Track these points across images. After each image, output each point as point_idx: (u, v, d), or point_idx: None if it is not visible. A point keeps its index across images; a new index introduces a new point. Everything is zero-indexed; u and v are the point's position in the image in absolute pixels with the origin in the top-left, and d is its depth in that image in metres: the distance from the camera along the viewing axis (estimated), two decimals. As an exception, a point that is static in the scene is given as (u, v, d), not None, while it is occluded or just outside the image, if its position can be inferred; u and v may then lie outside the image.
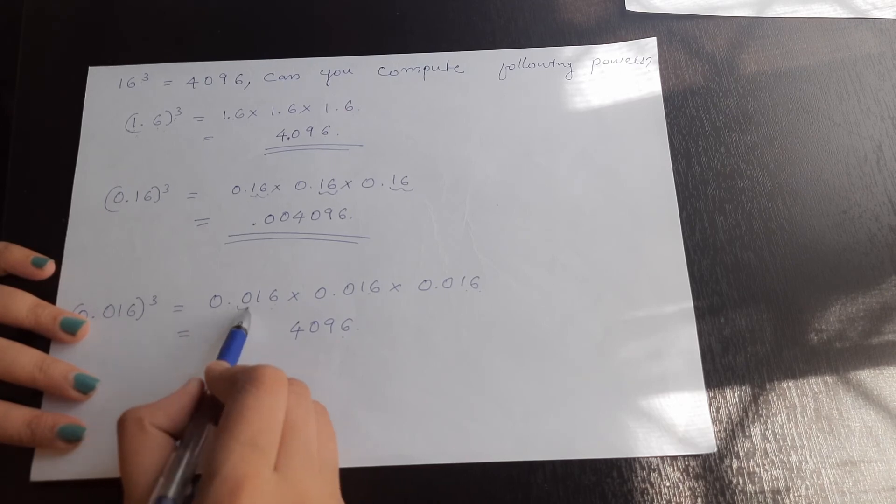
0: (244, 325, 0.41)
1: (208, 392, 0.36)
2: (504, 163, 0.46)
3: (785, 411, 0.40)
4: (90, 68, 0.48)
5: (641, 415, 0.40)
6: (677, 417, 0.40)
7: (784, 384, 0.41)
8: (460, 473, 0.39)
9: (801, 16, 0.51)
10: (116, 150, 0.46)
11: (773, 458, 0.39)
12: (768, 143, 0.47)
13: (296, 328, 0.42)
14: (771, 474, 0.39)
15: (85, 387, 0.39)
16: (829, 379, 0.41)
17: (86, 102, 0.47)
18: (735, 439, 0.40)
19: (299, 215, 0.44)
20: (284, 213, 0.44)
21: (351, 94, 0.48)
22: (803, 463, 0.39)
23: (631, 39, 0.50)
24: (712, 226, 0.44)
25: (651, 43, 0.49)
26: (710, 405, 0.40)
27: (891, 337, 0.42)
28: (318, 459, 0.33)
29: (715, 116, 0.48)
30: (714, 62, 0.49)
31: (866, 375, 0.41)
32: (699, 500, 0.39)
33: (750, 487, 0.39)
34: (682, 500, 0.39)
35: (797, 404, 0.41)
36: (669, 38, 0.50)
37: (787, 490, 0.39)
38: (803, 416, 0.40)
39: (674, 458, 0.39)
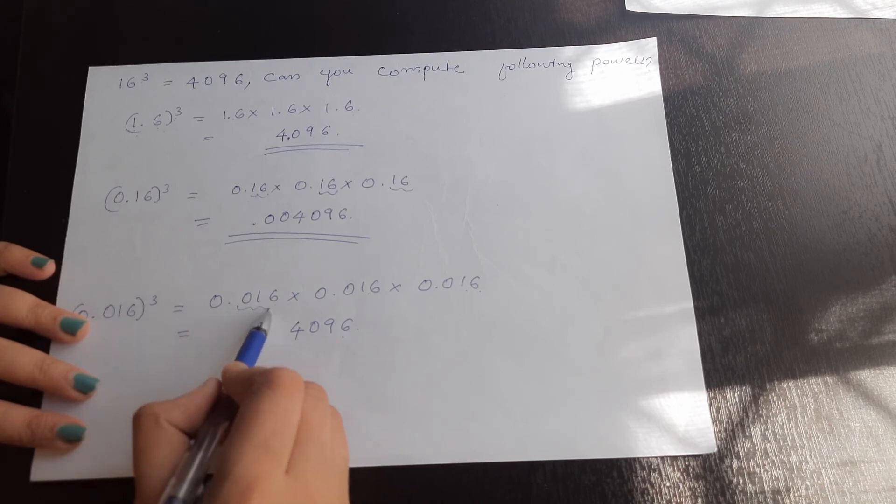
0: (264, 326, 0.41)
1: (225, 392, 0.36)
2: (504, 163, 0.46)
3: (785, 411, 0.40)
4: (90, 68, 0.48)
5: (641, 415, 0.40)
6: (677, 417, 0.40)
7: (784, 384, 0.41)
8: (460, 473, 0.39)
9: (801, 16, 0.51)
10: (116, 150, 0.46)
11: (774, 458, 0.39)
12: (768, 143, 0.47)
13: (296, 328, 0.42)
14: (771, 474, 0.39)
15: (85, 387, 0.39)
16: (829, 379, 0.41)
17: (86, 102, 0.47)
18: (735, 439, 0.40)
19: (299, 215, 0.44)
20: (284, 213, 0.44)
21: (351, 94, 0.48)
22: (803, 463, 0.39)
23: (631, 39, 0.50)
24: (712, 226, 0.44)
25: (651, 43, 0.49)
26: (710, 405, 0.40)
27: (891, 337, 0.42)
28: (330, 463, 0.33)
29: (715, 116, 0.48)
30: (714, 62, 0.49)
31: (866, 375, 0.41)
32: (699, 500, 0.39)
33: (750, 487, 0.39)
34: (683, 500, 0.39)
35: (797, 404, 0.41)
36: (669, 38, 0.50)
37: (788, 490, 0.39)
38: (803, 416, 0.40)
39: (674, 458, 0.39)
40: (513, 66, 0.49)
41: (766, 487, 0.39)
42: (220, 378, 0.36)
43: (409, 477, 0.39)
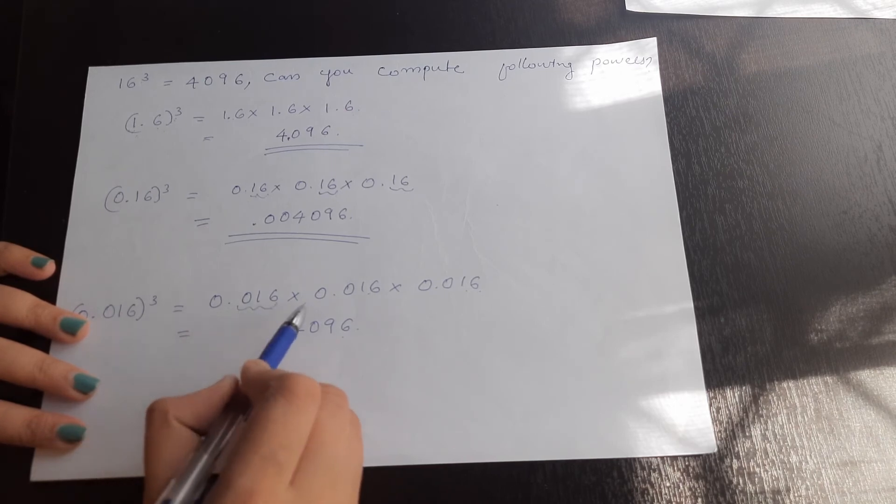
0: (296, 322, 0.40)
1: (242, 390, 0.35)
2: (504, 163, 0.46)
3: (785, 411, 0.40)
4: (90, 68, 0.48)
5: (641, 415, 0.40)
6: (677, 417, 0.40)
7: (784, 384, 0.41)
8: (460, 473, 0.39)
9: (801, 16, 0.51)
10: (116, 150, 0.46)
11: (774, 458, 0.39)
12: (768, 143, 0.47)
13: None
14: (771, 474, 0.39)
15: (85, 387, 0.39)
16: (829, 379, 0.41)
17: (86, 102, 0.47)
18: (735, 439, 0.40)
19: (299, 215, 0.44)
20: (284, 213, 0.44)
21: (351, 94, 0.48)
22: (803, 463, 0.39)
23: (631, 39, 0.50)
24: (712, 226, 0.44)
25: (651, 43, 0.49)
26: (710, 405, 0.40)
27: (891, 337, 0.42)
28: (342, 475, 0.32)
29: (715, 116, 0.48)
30: (714, 62, 0.49)
31: (866, 375, 0.41)
32: (699, 500, 0.39)
33: (750, 488, 0.39)
34: (682, 500, 0.39)
35: (797, 404, 0.41)
36: (669, 38, 0.50)
37: (788, 490, 0.39)
38: (803, 416, 0.40)
39: (674, 458, 0.39)
40: (513, 66, 0.49)
41: (766, 487, 0.39)
42: (238, 376, 0.36)
43: (408, 477, 0.39)
